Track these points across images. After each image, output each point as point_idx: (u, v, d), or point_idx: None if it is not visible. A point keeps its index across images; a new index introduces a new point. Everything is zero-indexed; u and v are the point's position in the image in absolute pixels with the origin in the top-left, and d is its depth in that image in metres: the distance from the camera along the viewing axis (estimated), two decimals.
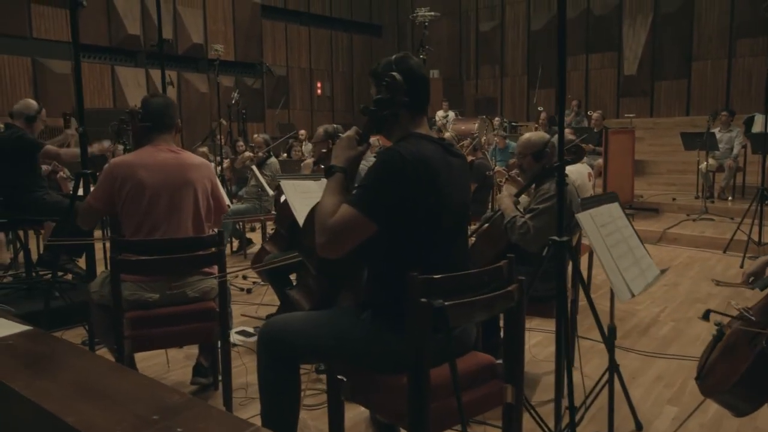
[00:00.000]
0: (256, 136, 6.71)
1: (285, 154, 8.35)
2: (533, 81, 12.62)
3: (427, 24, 4.83)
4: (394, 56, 1.78)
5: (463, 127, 10.03)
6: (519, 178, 3.15)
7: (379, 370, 1.73)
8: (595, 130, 8.39)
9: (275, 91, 14.19)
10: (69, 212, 3.49)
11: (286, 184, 2.62)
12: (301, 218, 2.54)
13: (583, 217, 2.00)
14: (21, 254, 4.97)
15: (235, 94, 9.61)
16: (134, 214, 2.38)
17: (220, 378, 2.79)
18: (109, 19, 11.37)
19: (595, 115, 8.74)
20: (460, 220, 1.75)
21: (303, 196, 2.65)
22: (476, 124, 9.76)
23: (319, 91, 15.76)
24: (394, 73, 1.67)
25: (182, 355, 3.24)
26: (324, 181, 3.02)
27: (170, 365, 3.11)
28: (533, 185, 2.88)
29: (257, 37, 14.09)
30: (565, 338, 2.26)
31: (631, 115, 8.96)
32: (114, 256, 2.20)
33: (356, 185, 1.66)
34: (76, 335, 3.63)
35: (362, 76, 16.88)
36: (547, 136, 2.82)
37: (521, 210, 2.78)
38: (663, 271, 2.35)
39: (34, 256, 4.57)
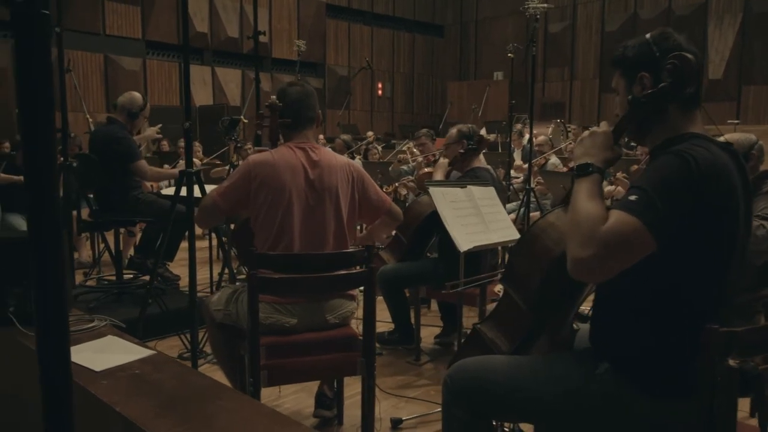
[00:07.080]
0: (337, 139, 6.42)
1: (358, 156, 8.01)
2: (607, 84, 11.97)
3: (538, 17, 4.41)
4: (648, 34, 1.34)
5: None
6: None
7: None
8: None
9: (336, 92, 13.97)
10: (166, 214, 3.24)
11: (435, 192, 2.25)
12: (455, 231, 2.17)
13: None
14: (105, 255, 4.79)
15: None
16: (270, 223, 2.05)
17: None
18: (178, 17, 11.34)
19: None
20: (743, 251, 1.32)
21: (453, 205, 2.28)
22: (549, 129, 9.20)
23: (379, 92, 15.47)
24: (685, 53, 1.24)
25: None
26: (471, 189, 2.68)
27: (281, 390, 2.78)
28: None
29: (321, 37, 13.90)
30: None
31: (734, 122, 8.23)
32: (253, 272, 1.88)
33: (632, 187, 1.23)
34: (171, 347, 3.37)
35: (422, 76, 16.51)
36: (754, 137, 2.37)
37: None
38: None
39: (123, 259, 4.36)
